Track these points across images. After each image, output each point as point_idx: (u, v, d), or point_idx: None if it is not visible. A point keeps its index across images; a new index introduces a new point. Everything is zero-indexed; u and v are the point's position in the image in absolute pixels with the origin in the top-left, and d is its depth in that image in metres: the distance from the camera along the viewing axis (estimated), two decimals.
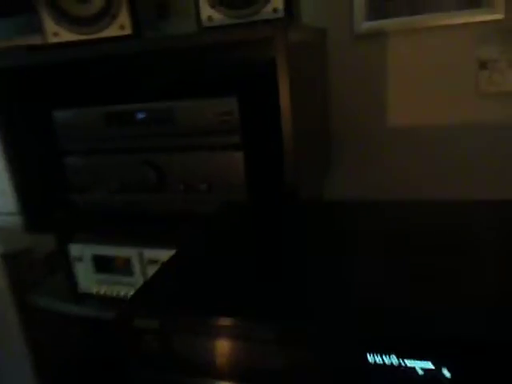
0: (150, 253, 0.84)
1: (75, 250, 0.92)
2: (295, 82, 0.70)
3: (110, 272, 0.90)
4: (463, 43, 1.05)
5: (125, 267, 0.89)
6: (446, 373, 0.36)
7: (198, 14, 0.78)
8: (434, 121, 1.13)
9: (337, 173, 1.17)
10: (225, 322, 0.39)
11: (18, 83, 0.85)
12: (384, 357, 0.36)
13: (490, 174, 1.10)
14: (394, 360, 0.36)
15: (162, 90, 0.84)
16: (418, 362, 0.36)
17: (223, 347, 0.40)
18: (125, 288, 0.90)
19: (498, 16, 1.01)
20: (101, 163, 0.83)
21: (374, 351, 0.36)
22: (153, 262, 0.85)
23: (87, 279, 0.93)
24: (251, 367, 0.39)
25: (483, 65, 1.05)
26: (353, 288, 0.44)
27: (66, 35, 0.75)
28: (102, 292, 0.92)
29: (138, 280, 0.87)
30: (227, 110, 0.73)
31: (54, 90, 0.89)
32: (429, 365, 0.36)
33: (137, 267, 0.86)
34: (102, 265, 0.91)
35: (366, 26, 1.09)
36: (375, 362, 0.37)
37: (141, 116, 0.78)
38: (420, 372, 0.36)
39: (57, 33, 0.75)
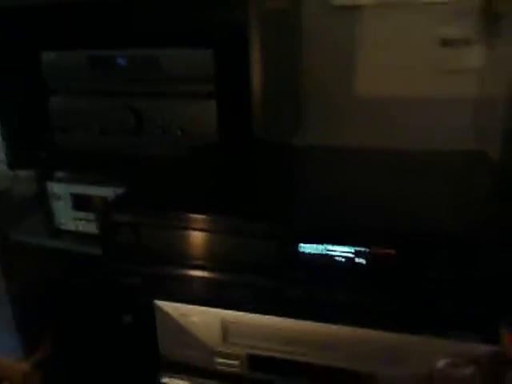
0: None
1: (55, 188, 0.98)
2: (265, 43, 0.77)
3: (88, 210, 0.97)
4: (426, 21, 1.13)
5: (101, 206, 0.95)
6: (362, 260, 0.45)
7: None
8: (398, 93, 1.21)
9: (305, 135, 1.26)
10: (186, 216, 0.47)
11: (7, 24, 0.90)
12: (314, 246, 0.45)
13: (446, 145, 1.20)
14: (322, 248, 0.45)
15: (146, 38, 0.89)
16: (340, 249, 0.45)
17: (183, 238, 0.48)
18: None
19: None
20: (84, 105, 0.89)
21: (306, 241, 0.45)
22: None
23: (66, 216, 0.99)
24: (210, 254, 0.48)
25: (444, 42, 1.14)
26: (295, 197, 0.53)
27: None
28: (79, 228, 0.99)
29: None
30: (203, 60, 0.80)
31: (44, 32, 0.93)
32: (349, 253, 0.45)
33: None
34: (80, 203, 0.97)
35: None
36: (306, 251, 0.46)
37: (123, 62, 0.84)
38: (341, 259, 0.45)
39: None
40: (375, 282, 0.45)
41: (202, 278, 0.49)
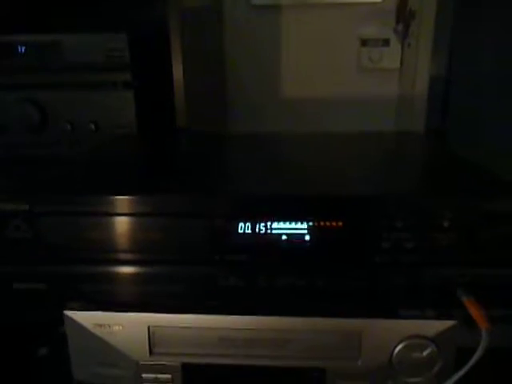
0: None
1: None
2: (186, 38, 0.73)
3: None
4: (347, 21, 1.14)
5: None
6: (307, 236, 0.39)
7: None
8: (320, 92, 1.21)
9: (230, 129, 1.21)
10: (96, 199, 0.39)
11: None
12: (255, 225, 0.39)
13: None
14: (262, 228, 0.39)
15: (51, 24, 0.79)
16: (283, 226, 0.39)
17: (93, 227, 0.40)
18: None
19: None
20: None
21: (244, 220, 0.39)
22: None
23: None
24: (129, 243, 0.40)
25: (364, 43, 1.16)
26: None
27: None
28: None
29: None
30: (117, 46, 0.72)
31: None
32: (291, 230, 0.39)
33: None
34: None
35: None
36: (244, 231, 0.39)
37: (23, 49, 0.73)
38: (284, 237, 0.39)
39: None
40: (323, 260, 0.39)
41: (121, 274, 0.41)
